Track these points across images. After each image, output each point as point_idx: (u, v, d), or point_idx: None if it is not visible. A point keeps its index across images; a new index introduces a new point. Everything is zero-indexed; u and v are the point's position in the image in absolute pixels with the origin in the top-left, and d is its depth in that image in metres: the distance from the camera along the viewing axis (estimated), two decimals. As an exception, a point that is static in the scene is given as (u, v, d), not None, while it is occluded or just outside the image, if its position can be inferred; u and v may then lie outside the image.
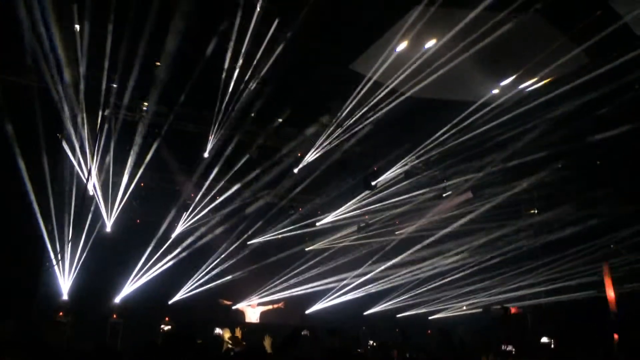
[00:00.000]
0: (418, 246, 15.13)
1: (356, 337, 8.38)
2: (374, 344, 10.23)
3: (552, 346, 11.86)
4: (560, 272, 13.59)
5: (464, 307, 16.28)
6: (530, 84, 10.18)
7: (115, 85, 10.54)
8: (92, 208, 12.17)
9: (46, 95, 9.88)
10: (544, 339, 12.15)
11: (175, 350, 4.58)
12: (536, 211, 14.70)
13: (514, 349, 10.29)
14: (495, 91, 10.84)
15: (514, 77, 10.32)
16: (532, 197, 14.53)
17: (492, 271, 14.91)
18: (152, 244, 13.57)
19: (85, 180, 11.54)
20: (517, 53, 9.78)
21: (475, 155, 12.55)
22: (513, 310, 15.34)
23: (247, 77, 10.26)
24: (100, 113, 10.87)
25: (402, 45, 9.54)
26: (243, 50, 9.50)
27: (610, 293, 10.55)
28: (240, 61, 9.75)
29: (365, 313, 16.54)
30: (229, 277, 15.05)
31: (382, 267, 15.44)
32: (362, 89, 10.51)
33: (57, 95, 10.04)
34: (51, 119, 10.33)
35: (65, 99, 10.24)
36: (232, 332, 7.71)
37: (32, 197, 10.34)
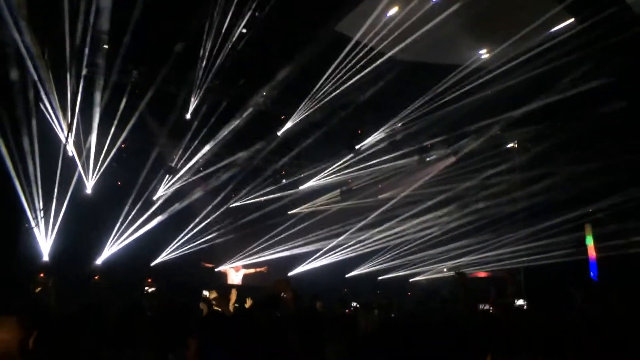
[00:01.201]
0: (400, 209, 15.26)
1: (342, 298, 8.48)
2: (357, 305, 10.35)
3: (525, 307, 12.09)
4: (543, 235, 13.76)
5: (445, 270, 16.52)
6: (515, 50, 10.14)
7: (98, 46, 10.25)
8: (71, 169, 11.95)
9: (25, 52, 9.55)
10: (520, 301, 12.37)
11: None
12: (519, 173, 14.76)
13: (491, 308, 10.48)
14: (484, 55, 10.81)
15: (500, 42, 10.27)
16: (516, 161, 14.58)
17: (473, 234, 15.09)
18: (134, 206, 13.47)
19: (64, 141, 11.33)
20: (504, 18, 9.71)
21: (460, 120, 12.56)
22: (483, 274, 15.64)
23: (228, 38, 10.04)
24: (73, 73, 10.58)
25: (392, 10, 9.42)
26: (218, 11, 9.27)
27: (592, 253, 10.74)
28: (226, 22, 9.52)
29: (347, 275, 16.71)
30: (212, 240, 15.04)
31: (365, 230, 15.54)
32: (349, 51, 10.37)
33: (36, 53, 9.74)
34: (30, 77, 10.02)
35: (43, 58, 9.94)
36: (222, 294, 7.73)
37: (7, 158, 10.08)
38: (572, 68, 9.89)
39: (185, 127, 12.70)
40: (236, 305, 7.80)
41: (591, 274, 11.63)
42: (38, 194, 11.32)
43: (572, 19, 9.45)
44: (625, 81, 10.14)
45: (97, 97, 11.32)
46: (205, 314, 6.69)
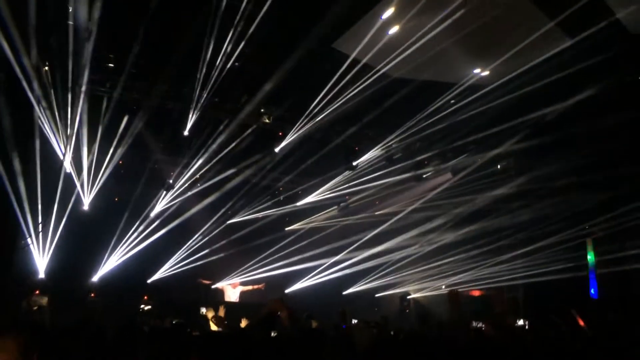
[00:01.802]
0: (397, 226, 15.23)
1: (343, 312, 8.44)
2: (356, 322, 10.29)
3: (526, 327, 12.02)
4: (543, 251, 13.73)
5: (443, 287, 16.44)
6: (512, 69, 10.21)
7: (94, 62, 10.28)
8: (69, 186, 11.92)
9: (21, 68, 9.58)
10: (520, 322, 12.28)
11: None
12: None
13: (483, 326, 10.42)
14: (479, 73, 10.87)
15: (496, 61, 10.34)
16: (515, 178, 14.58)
17: (471, 251, 15.05)
18: (131, 223, 13.43)
19: (62, 158, 11.32)
20: (499, 37, 9.78)
21: (457, 137, 12.61)
22: (477, 293, 15.57)
23: (226, 54, 10.07)
24: (74, 89, 10.61)
25: (392, 28, 9.48)
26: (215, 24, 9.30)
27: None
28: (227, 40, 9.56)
29: (344, 292, 16.63)
30: (209, 257, 14.97)
31: (362, 247, 15.49)
32: (345, 68, 10.41)
33: (33, 69, 9.75)
34: (24, 95, 10.04)
35: (40, 74, 9.97)
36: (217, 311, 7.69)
37: (5, 175, 10.04)
38: (567, 84, 9.94)
39: (183, 143, 12.72)
40: (226, 322, 7.76)
41: (591, 290, 11.58)
42: (35, 210, 11.28)
43: (567, 39, 9.53)
44: (620, 97, 10.20)
45: (95, 114, 11.35)
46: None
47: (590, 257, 12.66)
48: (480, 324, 10.43)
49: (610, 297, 11.28)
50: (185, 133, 12.10)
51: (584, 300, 11.14)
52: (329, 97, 11.23)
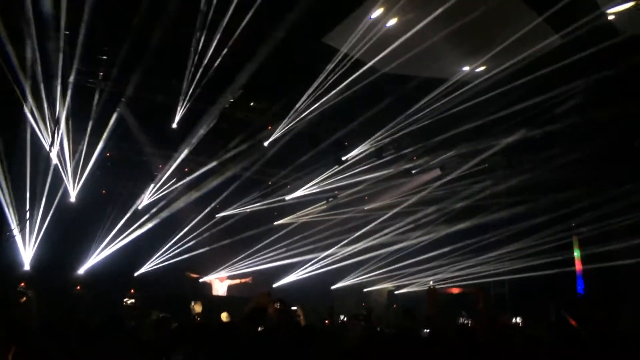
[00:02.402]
0: (385, 221, 15.27)
1: (331, 308, 8.43)
2: (344, 318, 10.31)
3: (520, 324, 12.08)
4: (529, 250, 13.83)
5: (431, 283, 16.51)
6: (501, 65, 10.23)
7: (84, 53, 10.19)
8: (55, 178, 11.81)
9: (7, 58, 9.47)
10: (518, 319, 12.32)
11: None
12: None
13: (469, 322, 10.48)
14: (467, 69, 10.90)
15: (485, 57, 10.37)
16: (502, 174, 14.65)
17: (458, 248, 15.12)
18: (118, 215, 13.34)
19: (48, 150, 11.21)
20: (490, 33, 9.79)
21: (446, 132, 12.63)
22: (456, 290, 15.66)
23: (216, 46, 9.99)
24: (63, 80, 10.51)
25: (386, 20, 9.45)
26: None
27: (579, 266, 10.78)
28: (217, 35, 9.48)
29: (333, 287, 16.64)
30: (197, 250, 14.91)
31: (350, 242, 15.51)
32: (335, 62, 10.37)
33: (18, 59, 9.65)
34: (10, 85, 9.92)
35: (26, 64, 9.85)
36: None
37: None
38: (555, 81, 9.98)
39: (172, 136, 12.62)
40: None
41: (578, 288, 11.68)
42: (21, 202, 11.17)
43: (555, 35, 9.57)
44: (609, 92, 10.27)
45: (83, 105, 11.25)
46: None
47: (577, 253, 12.76)
48: (466, 320, 10.53)
49: (596, 294, 11.39)
50: (174, 126, 12.02)
51: (571, 296, 11.24)
52: (319, 91, 11.21)
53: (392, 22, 9.44)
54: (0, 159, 10.24)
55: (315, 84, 11.03)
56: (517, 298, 14.79)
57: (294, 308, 8.04)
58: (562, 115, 10.66)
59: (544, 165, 12.33)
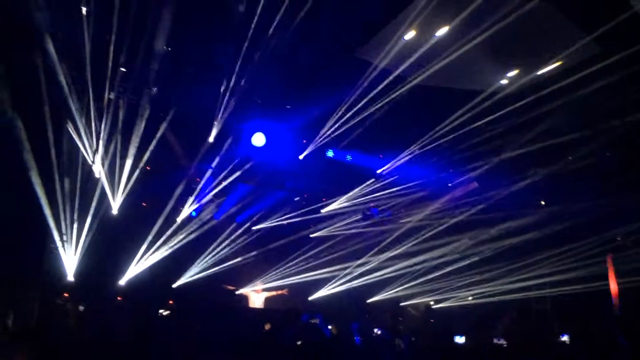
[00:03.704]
0: (421, 234, 15.13)
1: (357, 326, 8.38)
2: (379, 332, 10.26)
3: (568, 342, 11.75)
4: (565, 264, 13.50)
5: (470, 298, 16.26)
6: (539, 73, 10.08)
7: (122, 69, 10.54)
8: (98, 190, 12.18)
9: (52, 76, 9.87)
10: (565, 337, 12.00)
11: None
12: (542, 203, 14.56)
13: (505, 343, 10.26)
14: (505, 81, 10.77)
15: (523, 66, 10.24)
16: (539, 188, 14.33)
17: (498, 262, 14.86)
18: (158, 227, 13.61)
19: (91, 163, 11.59)
20: (526, 41, 9.68)
21: (483, 144, 12.45)
22: None
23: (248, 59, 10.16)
24: (106, 96, 10.89)
25: (411, 34, 9.48)
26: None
27: (613, 286, 10.49)
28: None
29: (368, 301, 16.54)
30: (233, 262, 15.07)
31: (386, 255, 15.41)
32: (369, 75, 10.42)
33: (63, 77, 10.05)
34: (57, 100, 10.33)
35: (71, 80, 10.26)
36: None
37: (36, 178, 10.31)
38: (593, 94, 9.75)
39: (209, 150, 12.89)
40: None
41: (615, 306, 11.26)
42: (64, 214, 11.53)
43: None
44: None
45: (122, 118, 11.61)
46: None
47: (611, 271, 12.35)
48: (502, 341, 10.32)
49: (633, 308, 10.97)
50: (210, 140, 12.27)
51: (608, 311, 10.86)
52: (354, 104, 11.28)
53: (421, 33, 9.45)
54: (45, 174, 10.59)
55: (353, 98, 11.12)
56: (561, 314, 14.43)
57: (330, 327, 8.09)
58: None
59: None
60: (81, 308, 10.09)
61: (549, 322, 14.78)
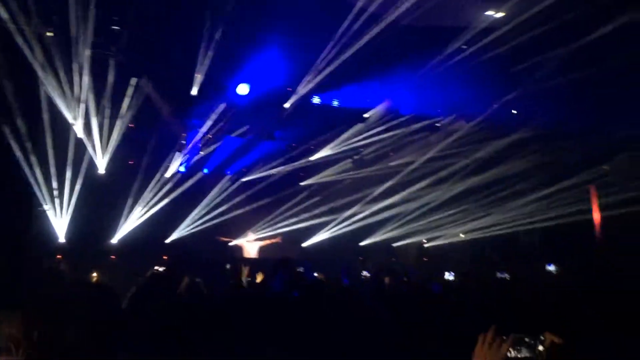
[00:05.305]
0: (411, 176, 15.18)
1: (346, 269, 8.50)
2: (367, 274, 10.41)
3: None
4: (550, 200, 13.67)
5: (461, 235, 16.46)
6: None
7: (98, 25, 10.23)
8: (81, 151, 12.02)
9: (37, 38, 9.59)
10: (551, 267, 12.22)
11: None
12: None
13: (508, 276, 10.44)
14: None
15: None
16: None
17: (484, 198, 15.00)
18: (146, 185, 13.55)
19: (72, 123, 11.39)
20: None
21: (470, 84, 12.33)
22: None
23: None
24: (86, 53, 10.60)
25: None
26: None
27: (596, 216, 10.65)
28: None
29: (361, 244, 16.71)
30: (226, 215, 15.10)
31: (377, 199, 15.48)
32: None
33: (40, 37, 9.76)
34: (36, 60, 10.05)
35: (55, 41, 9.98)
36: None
37: (16, 143, 10.14)
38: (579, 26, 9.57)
39: (192, 104, 12.69)
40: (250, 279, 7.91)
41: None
42: (49, 176, 11.42)
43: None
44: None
45: (104, 77, 11.34)
46: None
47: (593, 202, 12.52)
48: (505, 275, 10.49)
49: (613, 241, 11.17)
50: (194, 93, 12.05)
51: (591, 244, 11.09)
52: (336, 49, 11.04)
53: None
54: (26, 137, 10.40)
55: (333, 43, 10.87)
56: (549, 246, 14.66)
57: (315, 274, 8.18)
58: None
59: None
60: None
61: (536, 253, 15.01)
